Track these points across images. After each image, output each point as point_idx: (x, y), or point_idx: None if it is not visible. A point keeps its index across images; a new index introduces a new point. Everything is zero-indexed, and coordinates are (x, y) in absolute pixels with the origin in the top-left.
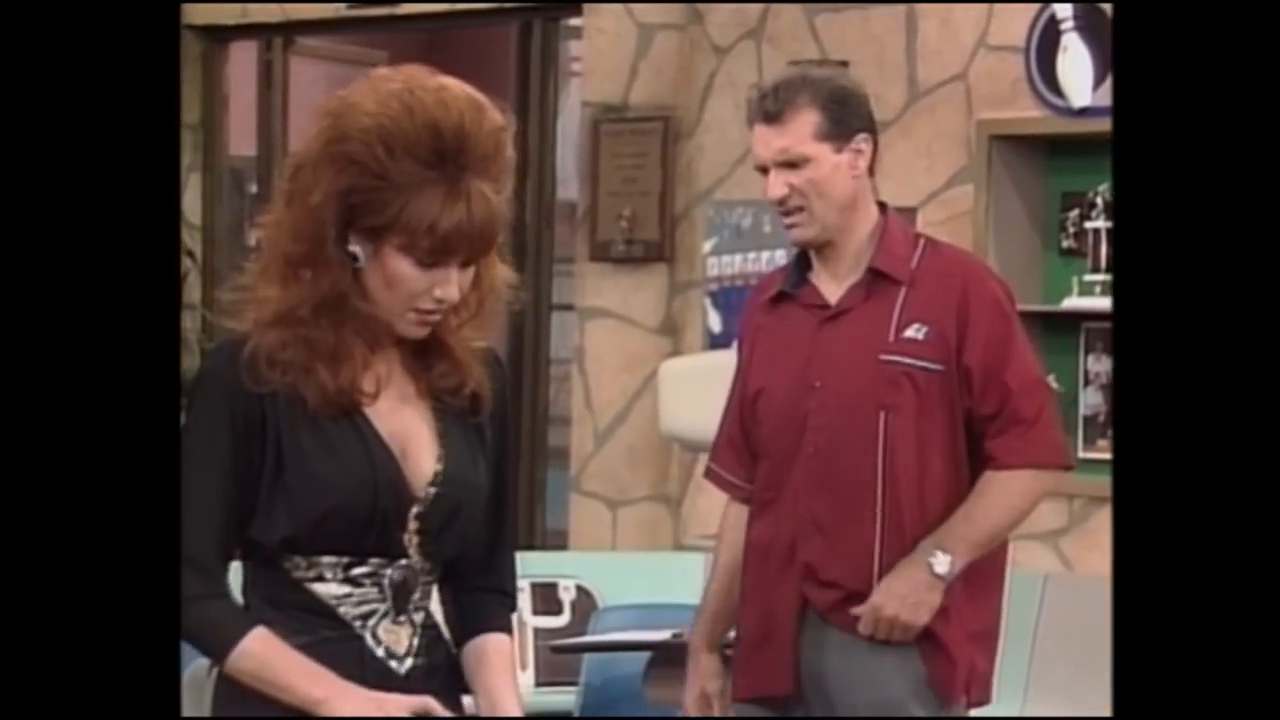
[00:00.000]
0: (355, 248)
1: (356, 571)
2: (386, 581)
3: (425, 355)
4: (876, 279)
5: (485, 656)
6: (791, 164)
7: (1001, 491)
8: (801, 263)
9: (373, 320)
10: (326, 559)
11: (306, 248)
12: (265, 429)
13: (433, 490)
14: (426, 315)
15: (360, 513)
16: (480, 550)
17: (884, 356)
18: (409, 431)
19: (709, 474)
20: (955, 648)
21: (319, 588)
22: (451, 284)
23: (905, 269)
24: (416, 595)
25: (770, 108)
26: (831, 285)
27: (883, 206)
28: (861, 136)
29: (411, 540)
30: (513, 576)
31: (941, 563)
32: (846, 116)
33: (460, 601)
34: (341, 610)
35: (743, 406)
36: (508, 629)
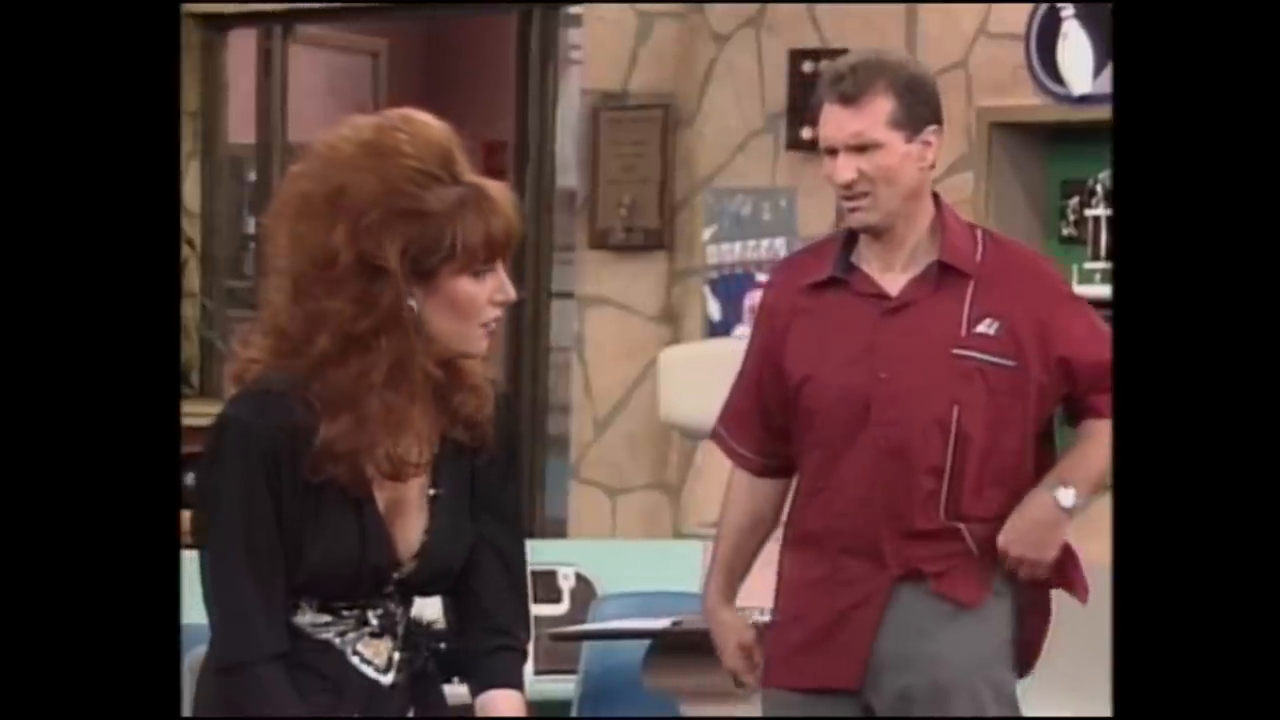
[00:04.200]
0: (410, 300)
1: (334, 605)
2: (367, 615)
3: (443, 389)
4: (944, 272)
5: (494, 714)
6: (862, 148)
7: (1108, 435)
8: (847, 248)
9: (420, 373)
10: (304, 600)
11: (381, 317)
12: (282, 486)
13: (415, 562)
14: (489, 327)
15: (342, 582)
16: (490, 600)
17: (956, 351)
18: (403, 498)
19: (715, 436)
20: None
21: (297, 616)
22: (507, 283)
23: (972, 262)
24: (397, 616)
25: (847, 90)
26: (888, 275)
27: (936, 197)
28: (931, 128)
29: (391, 593)
30: (526, 626)
31: (1066, 496)
32: (918, 106)
33: (471, 651)
34: (321, 636)
35: (763, 383)
36: (518, 684)
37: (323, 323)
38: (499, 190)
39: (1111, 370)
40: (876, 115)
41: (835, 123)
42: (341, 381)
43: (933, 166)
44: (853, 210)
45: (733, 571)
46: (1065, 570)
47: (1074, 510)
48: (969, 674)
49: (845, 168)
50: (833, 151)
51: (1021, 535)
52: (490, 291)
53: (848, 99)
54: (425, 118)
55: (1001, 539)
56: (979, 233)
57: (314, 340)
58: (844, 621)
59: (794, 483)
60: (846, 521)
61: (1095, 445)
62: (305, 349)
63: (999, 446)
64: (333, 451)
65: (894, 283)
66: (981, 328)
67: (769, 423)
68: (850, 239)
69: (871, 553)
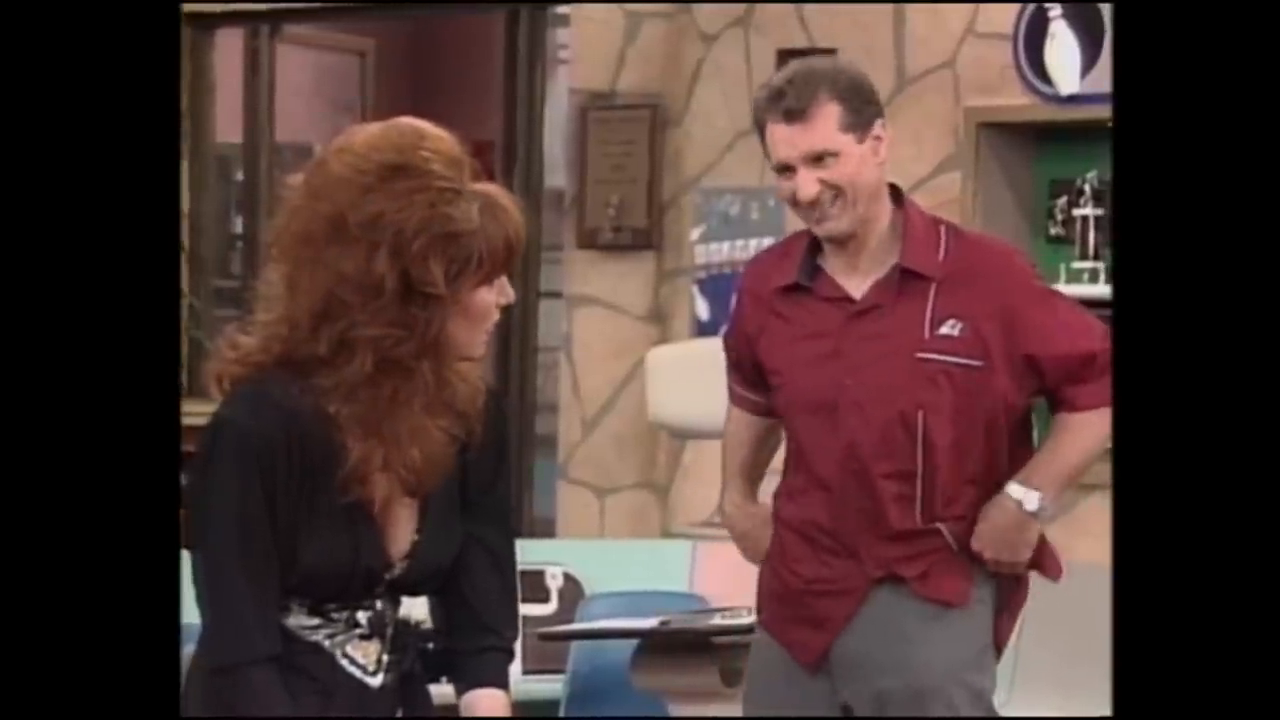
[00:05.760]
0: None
1: (325, 607)
2: (356, 617)
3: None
4: (906, 275)
5: (477, 714)
6: (819, 160)
7: (1082, 428)
8: (812, 253)
9: (449, 389)
10: (294, 602)
11: (424, 342)
12: (277, 488)
13: (406, 562)
14: (490, 330)
15: (334, 584)
16: (478, 600)
17: (920, 354)
18: (395, 498)
19: (730, 391)
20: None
21: (287, 618)
22: (507, 285)
23: (934, 264)
24: (387, 618)
25: (792, 105)
26: (852, 278)
27: (898, 194)
28: (879, 123)
29: (381, 594)
30: (514, 625)
31: (1030, 500)
32: (862, 105)
33: (459, 651)
34: (310, 639)
35: (743, 362)
36: (504, 684)
37: (359, 346)
38: (505, 196)
39: (1084, 361)
40: (827, 125)
41: (786, 141)
42: (375, 403)
43: (883, 163)
44: (819, 220)
45: (749, 477)
46: (1036, 553)
47: (1041, 512)
48: (946, 679)
49: (807, 184)
50: (787, 169)
51: (991, 541)
52: (497, 296)
53: (793, 115)
54: (436, 130)
55: (974, 543)
56: (943, 229)
57: (348, 362)
58: (817, 605)
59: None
60: (825, 524)
61: (1064, 441)
62: (332, 371)
63: (972, 446)
64: (359, 474)
65: (858, 286)
66: (945, 329)
67: (754, 382)
68: (814, 243)
69: (851, 554)
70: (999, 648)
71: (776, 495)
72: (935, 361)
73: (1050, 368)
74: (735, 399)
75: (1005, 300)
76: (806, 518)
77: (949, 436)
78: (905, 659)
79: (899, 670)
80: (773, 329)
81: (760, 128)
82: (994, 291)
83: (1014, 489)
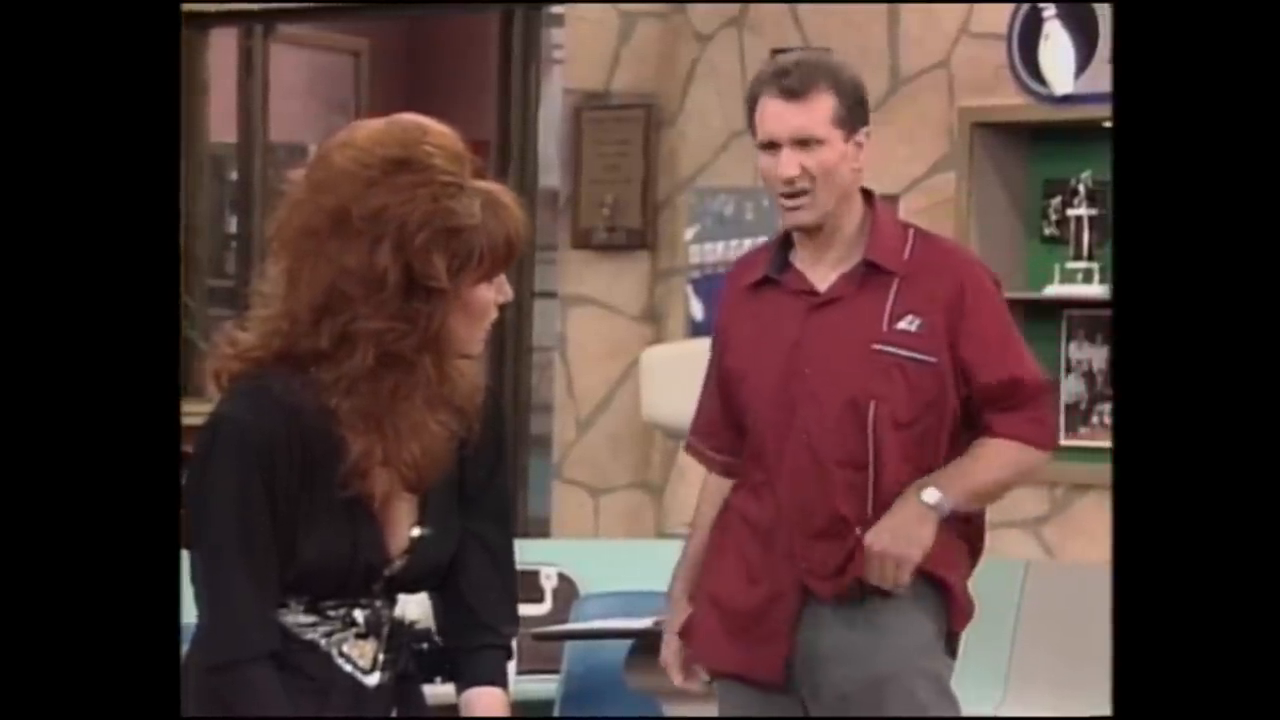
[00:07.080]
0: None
1: (322, 605)
2: (354, 615)
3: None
4: (870, 270)
5: (475, 712)
6: (805, 143)
7: (994, 455)
8: (784, 248)
9: (449, 384)
10: (291, 599)
11: (426, 336)
12: (277, 484)
13: (405, 558)
14: (488, 328)
15: (333, 580)
16: (476, 597)
17: (876, 346)
18: (394, 494)
19: (689, 448)
20: (963, 595)
21: (284, 616)
22: (506, 284)
23: (898, 260)
24: (384, 617)
25: (792, 85)
26: (818, 272)
27: (869, 195)
28: (864, 130)
29: (379, 591)
30: (513, 622)
31: (930, 494)
32: (856, 107)
33: (457, 649)
34: (307, 637)
35: (722, 385)
36: (503, 682)
37: (360, 340)
38: (507, 194)
39: (1010, 386)
40: (821, 112)
41: (778, 117)
42: (376, 397)
43: (860, 170)
44: (792, 209)
45: (696, 564)
46: (950, 598)
47: (939, 507)
48: (903, 665)
49: (789, 163)
50: (771, 146)
51: (886, 531)
52: (496, 294)
53: (792, 94)
54: (438, 125)
55: (869, 538)
56: (911, 232)
57: (350, 356)
58: (764, 615)
59: None
60: (778, 515)
61: (978, 462)
62: (332, 365)
63: (922, 440)
64: (360, 468)
65: (824, 279)
66: (903, 324)
67: (733, 422)
68: (787, 239)
69: (799, 553)
70: (955, 632)
71: (732, 492)
72: (889, 354)
73: (977, 383)
74: (709, 463)
75: (955, 303)
76: (760, 516)
77: (900, 428)
78: (859, 650)
79: (856, 662)
80: (740, 327)
81: (752, 102)
82: (948, 293)
83: (916, 488)
